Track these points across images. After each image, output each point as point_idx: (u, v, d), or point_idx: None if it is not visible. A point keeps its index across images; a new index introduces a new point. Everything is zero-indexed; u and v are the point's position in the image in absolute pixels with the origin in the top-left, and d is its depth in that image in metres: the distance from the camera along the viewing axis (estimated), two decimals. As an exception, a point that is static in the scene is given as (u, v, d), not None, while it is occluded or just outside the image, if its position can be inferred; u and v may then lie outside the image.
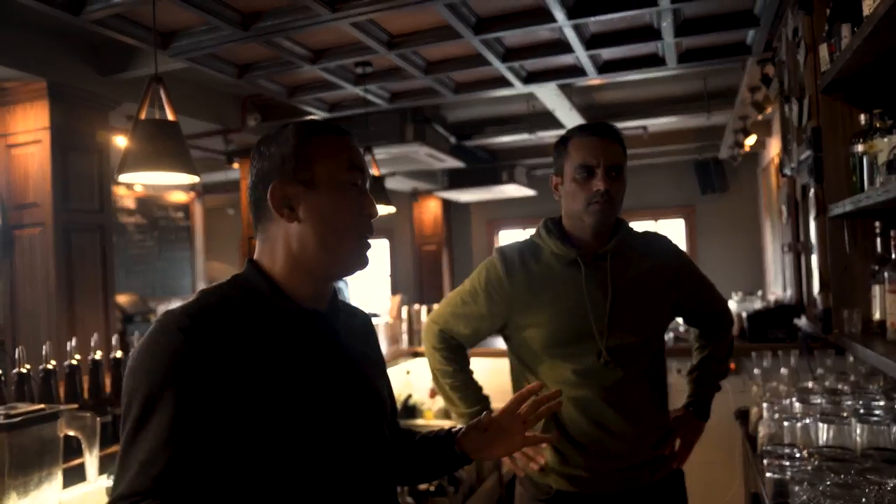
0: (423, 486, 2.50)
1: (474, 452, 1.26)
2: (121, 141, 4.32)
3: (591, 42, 3.59)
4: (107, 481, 1.55)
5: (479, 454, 1.27)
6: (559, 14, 3.09)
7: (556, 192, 1.74)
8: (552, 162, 1.76)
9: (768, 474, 1.51)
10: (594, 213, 1.63)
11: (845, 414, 1.63)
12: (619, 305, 1.66)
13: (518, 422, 1.26)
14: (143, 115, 2.40)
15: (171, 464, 0.91)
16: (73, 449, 1.50)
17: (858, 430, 1.56)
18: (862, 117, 2.05)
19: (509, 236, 9.32)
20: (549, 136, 5.97)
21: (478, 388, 1.81)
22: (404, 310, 4.10)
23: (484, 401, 1.79)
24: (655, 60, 3.96)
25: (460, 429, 1.28)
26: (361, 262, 1.09)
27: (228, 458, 0.96)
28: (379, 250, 9.50)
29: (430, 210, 8.92)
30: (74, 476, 1.50)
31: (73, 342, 1.77)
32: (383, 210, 4.17)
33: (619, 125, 5.94)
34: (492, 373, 2.44)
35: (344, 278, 1.13)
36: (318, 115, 4.79)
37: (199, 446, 0.93)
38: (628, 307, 1.67)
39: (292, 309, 1.06)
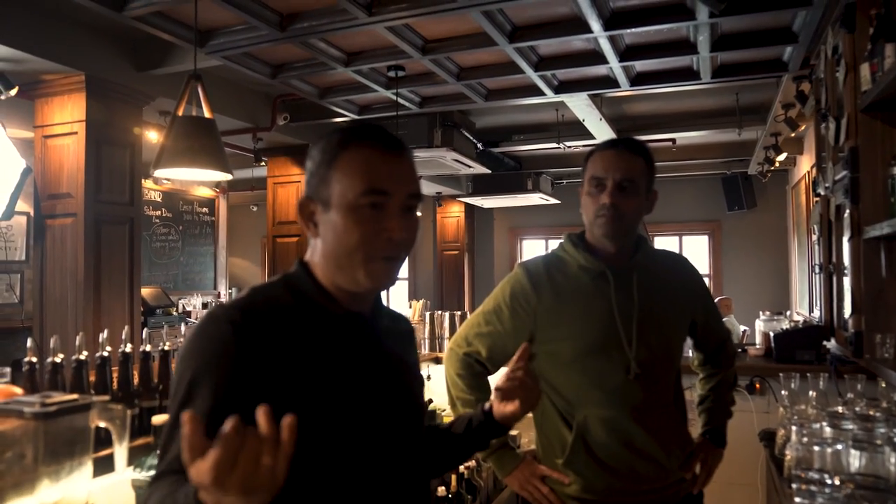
0: (441, 493, 2.49)
1: (506, 420, 1.26)
2: (153, 135, 4.38)
3: (626, 53, 3.58)
4: (134, 473, 1.57)
5: (511, 418, 1.26)
6: (595, 25, 3.08)
7: (581, 204, 1.74)
8: (578, 172, 1.75)
9: (797, 499, 1.48)
10: (601, 226, 1.63)
11: (878, 441, 1.60)
12: (646, 318, 1.65)
13: (527, 374, 1.23)
14: (180, 112, 2.43)
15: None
16: (101, 439, 1.52)
17: (893, 459, 1.52)
18: (903, 139, 2.02)
19: (532, 245, 9.29)
20: (577, 145, 5.95)
21: None
22: (426, 315, 4.10)
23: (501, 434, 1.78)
24: (689, 74, 3.93)
25: (488, 405, 1.29)
26: (379, 283, 1.06)
27: None
28: (401, 253, 9.51)
29: (452, 215, 8.93)
30: (103, 466, 1.51)
31: (105, 334, 1.79)
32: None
33: (648, 137, 5.92)
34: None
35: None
36: (347, 116, 4.82)
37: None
38: (655, 321, 1.66)
39: (336, 311, 1.07)
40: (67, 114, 3.81)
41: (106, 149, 3.88)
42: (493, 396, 1.26)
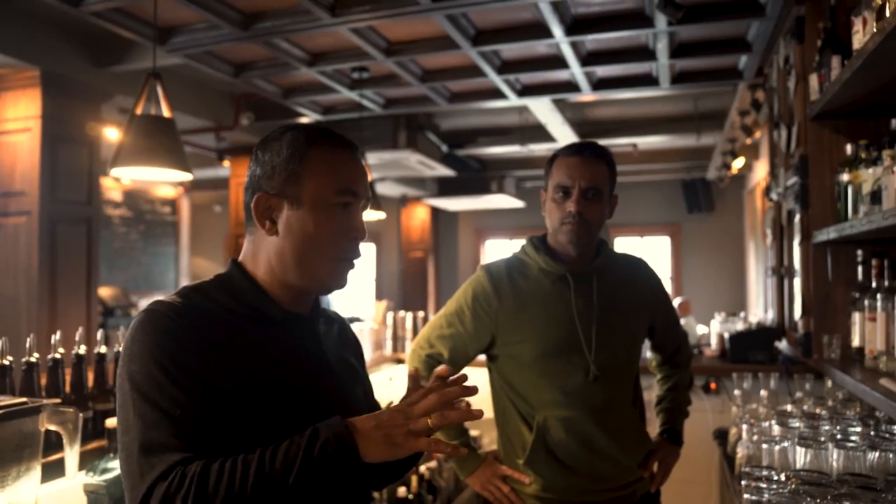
0: (401, 494, 2.50)
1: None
2: (112, 133, 4.29)
3: (587, 59, 3.64)
4: (86, 477, 1.54)
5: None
6: (557, 30, 3.13)
7: (543, 207, 1.76)
8: (542, 174, 1.77)
9: (746, 496, 1.53)
10: (566, 234, 1.66)
11: (823, 439, 1.66)
12: (606, 321, 1.69)
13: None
14: (139, 110, 2.40)
15: (178, 423, 0.90)
16: (52, 443, 1.48)
17: (835, 455, 1.58)
18: (848, 147, 2.09)
19: (496, 246, 9.35)
20: (540, 148, 6.02)
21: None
22: (389, 316, 4.10)
23: (464, 434, 1.78)
24: (649, 80, 4.01)
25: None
26: (338, 284, 1.07)
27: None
28: (365, 255, 9.47)
29: (417, 217, 8.93)
30: (53, 471, 1.48)
31: (58, 335, 1.75)
32: (373, 216, 4.18)
33: (610, 142, 6.02)
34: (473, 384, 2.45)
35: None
36: (311, 117, 4.80)
37: (201, 411, 0.92)
38: (614, 324, 1.70)
39: (272, 312, 1.05)
40: (21, 109, 3.71)
41: (62, 146, 3.79)
42: None
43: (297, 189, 1.03)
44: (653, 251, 8.48)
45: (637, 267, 1.86)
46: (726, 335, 3.70)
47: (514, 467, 1.70)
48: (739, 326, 4.12)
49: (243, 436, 0.95)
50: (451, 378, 1.02)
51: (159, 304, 0.99)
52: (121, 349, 1.87)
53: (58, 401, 1.48)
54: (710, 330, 4.37)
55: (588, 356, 1.65)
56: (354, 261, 1.08)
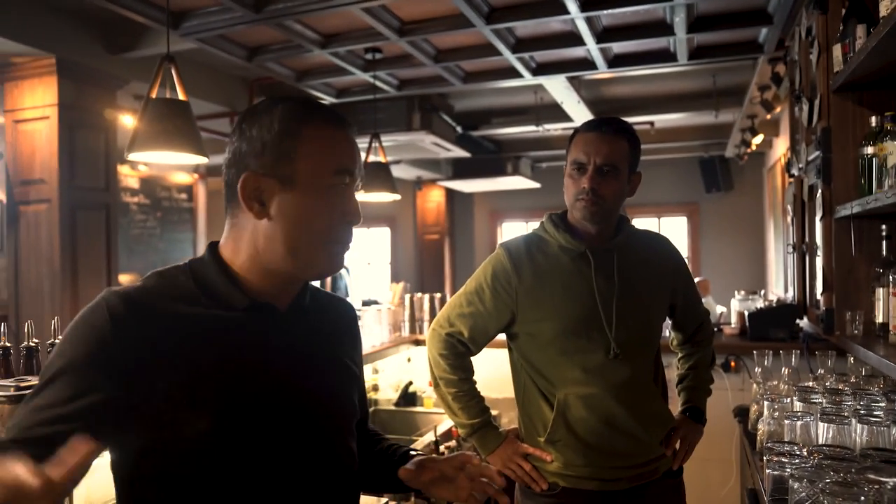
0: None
1: (414, 484, 1.14)
2: (128, 120, 4.32)
3: (603, 35, 3.58)
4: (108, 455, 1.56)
5: (422, 488, 1.14)
6: (572, 6, 3.08)
7: (564, 184, 1.74)
8: (558, 155, 1.76)
9: (768, 471, 1.52)
10: (580, 210, 1.65)
11: (845, 414, 1.64)
12: (626, 298, 1.67)
13: (464, 477, 1.12)
14: (153, 95, 2.40)
15: (46, 440, 0.82)
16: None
17: (858, 431, 1.57)
18: (873, 119, 2.04)
19: (512, 228, 9.32)
20: (556, 128, 5.96)
21: (481, 399, 1.78)
22: (406, 297, 4.11)
23: (486, 412, 1.77)
24: (666, 56, 3.95)
25: (411, 456, 1.17)
26: (330, 268, 1.00)
27: (142, 453, 0.91)
28: (380, 238, 9.50)
29: (433, 199, 8.92)
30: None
31: (80, 318, 1.78)
32: (388, 197, 4.17)
33: (626, 120, 5.94)
34: (493, 363, 2.45)
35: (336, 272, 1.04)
36: (326, 100, 4.79)
37: (97, 431, 0.82)
38: (634, 301, 1.69)
39: (241, 303, 0.97)
40: (39, 98, 3.74)
41: (79, 133, 3.81)
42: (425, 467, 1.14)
43: (290, 169, 0.95)
44: (670, 231, 8.40)
45: (659, 244, 1.84)
46: (746, 313, 3.66)
47: (536, 445, 1.70)
48: (759, 304, 4.07)
49: (199, 431, 0.90)
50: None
51: (106, 294, 0.95)
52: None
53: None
54: (731, 308, 4.33)
55: (609, 333, 1.64)
56: (349, 244, 1.01)
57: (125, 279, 7.03)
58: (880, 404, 1.75)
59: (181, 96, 2.46)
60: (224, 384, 0.93)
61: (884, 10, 1.66)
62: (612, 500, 1.67)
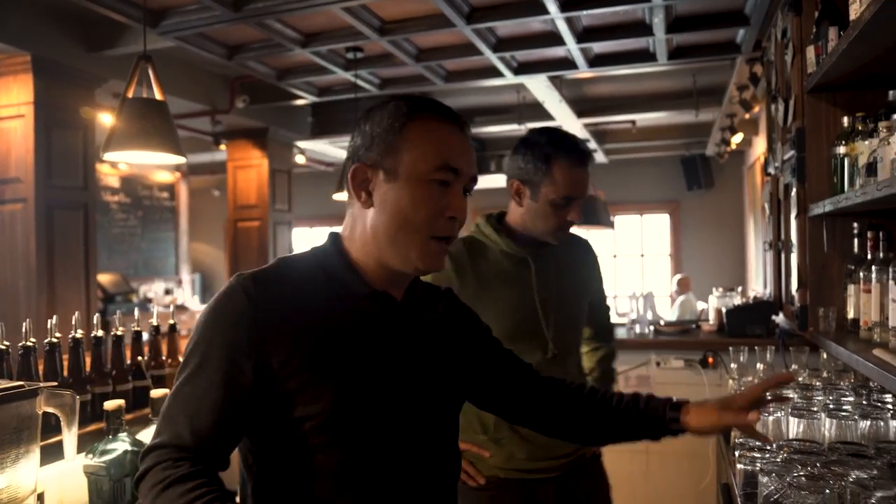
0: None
1: (698, 431, 1.18)
2: (107, 118, 4.28)
3: (583, 35, 3.61)
4: (86, 459, 1.55)
5: (705, 431, 1.18)
6: (552, 6, 3.09)
7: (516, 197, 1.74)
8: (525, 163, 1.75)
9: (739, 466, 1.54)
10: (558, 238, 1.71)
11: (815, 409, 1.67)
12: (561, 301, 1.74)
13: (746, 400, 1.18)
14: (130, 94, 2.38)
15: (217, 425, 0.93)
16: (51, 426, 1.50)
17: (827, 425, 1.60)
18: (845, 120, 2.08)
19: (495, 226, 9.32)
20: (539, 127, 5.97)
21: None
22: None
23: None
24: (646, 56, 3.98)
25: (681, 403, 1.20)
26: (430, 264, 1.01)
27: (275, 430, 0.97)
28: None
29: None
30: (52, 453, 1.49)
31: (55, 320, 1.76)
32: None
33: (608, 119, 5.98)
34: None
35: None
36: (307, 98, 4.77)
37: (246, 411, 0.95)
38: (566, 303, 1.76)
39: (361, 290, 1.02)
40: (14, 96, 3.69)
41: (56, 132, 3.77)
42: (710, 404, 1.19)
43: (394, 161, 0.99)
44: (652, 228, 8.47)
45: (583, 248, 1.92)
46: (723, 310, 3.71)
47: (476, 443, 1.74)
48: (737, 301, 4.12)
49: (319, 412, 0.95)
50: None
51: (239, 278, 0.98)
52: (119, 333, 1.88)
53: (55, 384, 1.48)
54: (708, 305, 4.37)
55: (546, 335, 1.71)
56: (450, 241, 1.03)
57: (105, 279, 6.96)
58: (849, 399, 1.78)
59: (158, 96, 2.44)
60: (344, 366, 0.97)
61: (853, 14, 1.69)
62: (547, 486, 1.74)
